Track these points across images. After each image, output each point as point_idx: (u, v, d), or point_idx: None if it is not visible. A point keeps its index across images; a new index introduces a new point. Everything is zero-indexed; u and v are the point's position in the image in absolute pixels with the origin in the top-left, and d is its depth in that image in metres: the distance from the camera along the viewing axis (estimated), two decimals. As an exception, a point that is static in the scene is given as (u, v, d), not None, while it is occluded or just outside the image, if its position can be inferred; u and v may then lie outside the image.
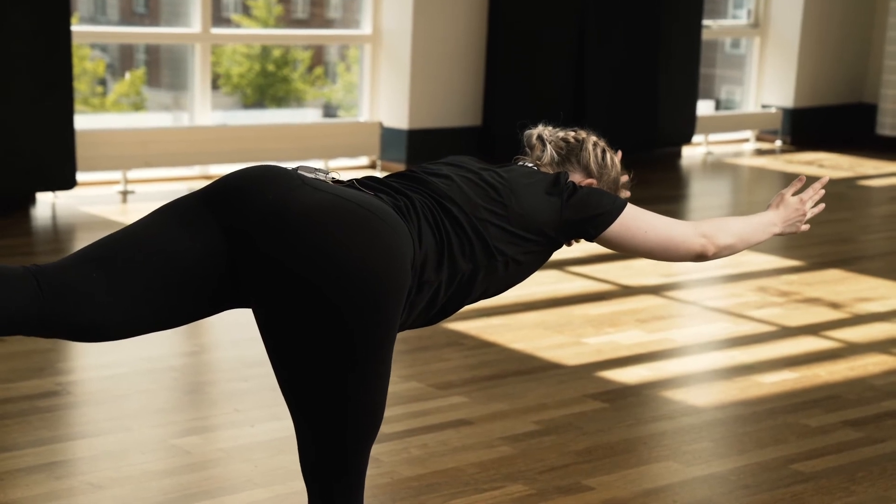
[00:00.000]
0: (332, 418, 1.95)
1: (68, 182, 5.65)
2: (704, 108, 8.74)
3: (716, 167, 8.12)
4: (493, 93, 7.13)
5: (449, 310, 2.17)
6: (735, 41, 9.36)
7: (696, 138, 8.33)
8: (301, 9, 19.57)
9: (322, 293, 1.87)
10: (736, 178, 7.97)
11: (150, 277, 1.91)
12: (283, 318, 1.92)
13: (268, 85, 19.76)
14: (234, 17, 19.53)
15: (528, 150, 2.53)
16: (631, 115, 7.70)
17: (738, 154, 8.52)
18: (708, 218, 2.53)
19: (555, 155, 2.48)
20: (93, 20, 14.68)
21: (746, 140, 8.86)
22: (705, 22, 8.21)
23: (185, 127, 6.54)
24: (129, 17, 17.78)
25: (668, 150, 8.17)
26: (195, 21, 6.50)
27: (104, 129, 6.23)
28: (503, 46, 7.08)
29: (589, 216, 2.29)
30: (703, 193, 7.55)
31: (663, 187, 7.26)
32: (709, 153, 8.39)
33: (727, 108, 9.35)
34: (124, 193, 6.08)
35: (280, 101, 19.86)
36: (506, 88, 7.14)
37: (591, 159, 2.49)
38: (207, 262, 1.93)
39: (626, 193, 2.56)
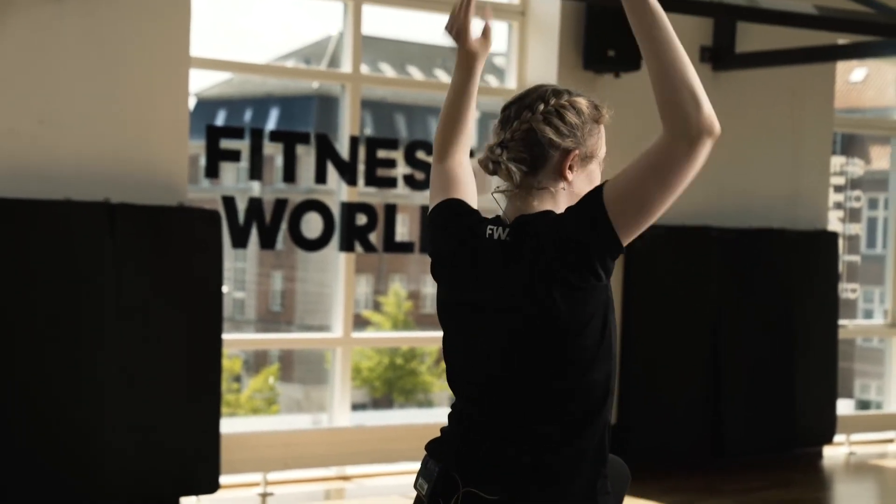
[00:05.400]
0: None
1: (212, 486, 5.75)
2: (845, 406, 8.55)
3: (859, 469, 7.85)
4: (625, 390, 7.10)
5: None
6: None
7: (837, 437, 8.12)
8: (430, 304, 20.08)
9: None
10: (883, 480, 7.68)
11: None
12: None
13: (396, 378, 20.09)
14: (366, 313, 20.07)
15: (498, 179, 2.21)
16: (769, 415, 7.57)
17: (883, 455, 8.25)
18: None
19: (520, 168, 2.15)
20: (231, 319, 15.23)
21: (892, 441, 8.59)
22: (841, 322, 8.16)
23: (324, 429, 6.64)
24: (264, 315, 18.50)
25: (809, 450, 7.96)
26: (336, 324, 6.71)
27: (246, 432, 6.37)
28: (634, 345, 7.11)
29: (584, 208, 2.04)
30: (848, 496, 7.29)
31: (805, 489, 7.04)
32: (851, 453, 8.14)
33: (864, 402, 9.14)
34: (264, 496, 6.14)
35: (408, 393, 20.11)
36: (638, 385, 7.11)
37: (551, 134, 2.14)
38: None
39: (605, 116, 2.21)
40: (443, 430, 2.24)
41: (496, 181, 2.24)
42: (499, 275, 2.13)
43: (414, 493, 2.22)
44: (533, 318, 2.07)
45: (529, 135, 2.14)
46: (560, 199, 2.18)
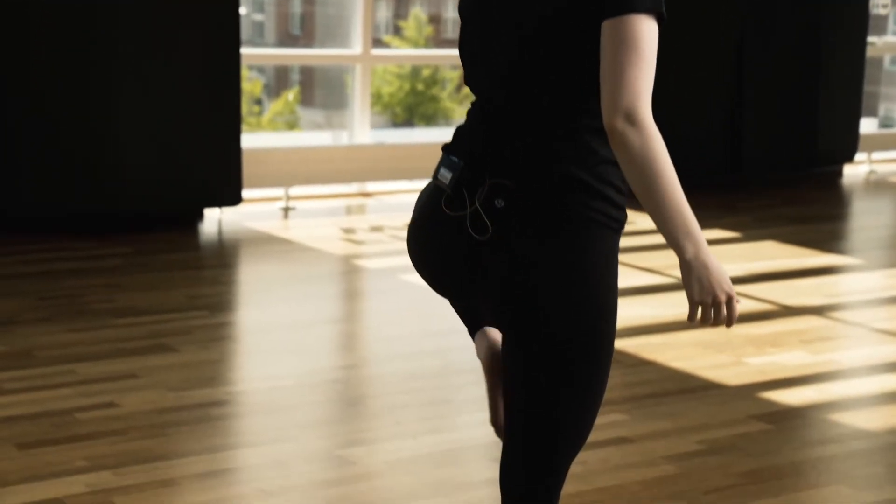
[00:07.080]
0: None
1: (234, 199, 5.84)
2: (867, 125, 8.49)
3: (879, 186, 7.88)
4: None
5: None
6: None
7: (858, 156, 8.11)
8: (451, 28, 19.76)
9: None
10: (901, 197, 7.73)
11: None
12: None
13: (417, 103, 20.02)
14: (386, 38, 19.83)
15: None
16: (791, 133, 7.54)
17: (903, 173, 8.27)
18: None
19: None
20: (251, 42, 15.08)
21: (912, 158, 8.59)
22: (870, 39, 7.99)
23: (344, 145, 6.68)
24: (284, 39, 18.28)
25: (829, 169, 7.98)
26: (356, 42, 6.63)
27: (268, 147, 6.41)
28: (658, 61, 7.00)
29: None
30: (865, 212, 7.34)
31: (824, 206, 7.09)
32: (872, 172, 8.16)
33: (887, 124, 9.07)
34: (286, 210, 6.24)
35: (429, 119, 20.10)
36: (658, 100, 7.05)
37: None
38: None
39: None
40: (460, 128, 2.21)
41: None
42: None
43: None
44: (562, 7, 2.00)
45: None
46: None
